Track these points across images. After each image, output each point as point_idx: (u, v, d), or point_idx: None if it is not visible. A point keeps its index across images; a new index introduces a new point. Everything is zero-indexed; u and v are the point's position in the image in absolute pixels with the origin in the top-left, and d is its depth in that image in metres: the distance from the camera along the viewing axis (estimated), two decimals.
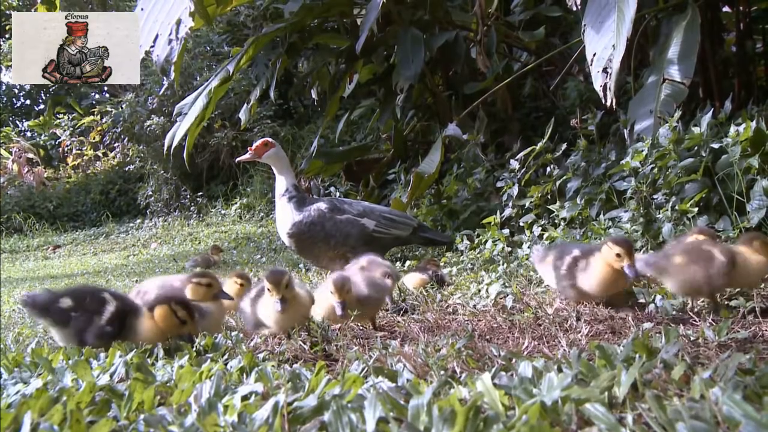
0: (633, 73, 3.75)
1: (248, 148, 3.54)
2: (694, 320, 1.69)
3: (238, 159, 3.68)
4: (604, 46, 2.68)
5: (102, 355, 1.58)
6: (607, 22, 2.71)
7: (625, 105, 3.34)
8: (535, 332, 1.67)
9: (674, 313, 1.78)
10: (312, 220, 3.36)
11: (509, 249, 3.13)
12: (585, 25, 2.84)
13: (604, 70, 2.65)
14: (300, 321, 1.79)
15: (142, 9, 4.25)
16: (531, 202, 3.44)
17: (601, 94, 2.67)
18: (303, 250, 3.48)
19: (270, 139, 3.53)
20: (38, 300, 1.76)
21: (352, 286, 1.88)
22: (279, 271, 1.82)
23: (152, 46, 4.21)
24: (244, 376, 1.33)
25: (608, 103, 2.64)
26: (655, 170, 2.69)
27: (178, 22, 3.90)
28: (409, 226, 3.52)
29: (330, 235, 3.36)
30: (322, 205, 3.43)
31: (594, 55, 2.72)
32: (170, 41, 4.04)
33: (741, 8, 4.22)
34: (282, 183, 3.48)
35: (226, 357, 1.55)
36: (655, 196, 2.69)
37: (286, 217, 3.43)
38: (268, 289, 1.79)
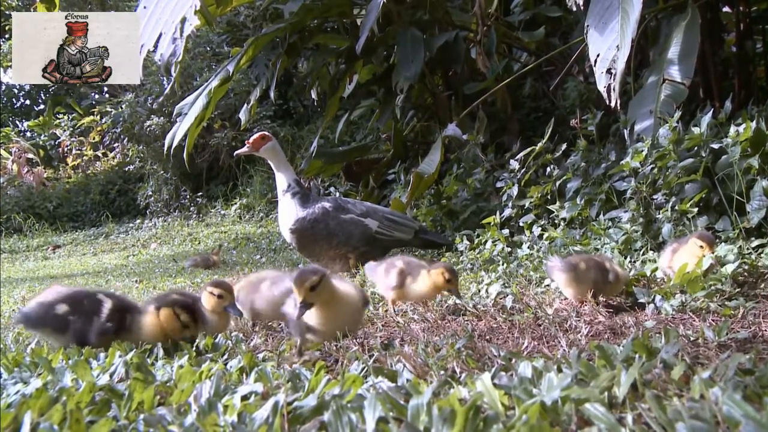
0: (633, 74, 3.76)
1: (245, 142, 3.55)
2: (694, 320, 1.69)
3: (236, 152, 3.70)
4: (608, 47, 2.67)
5: (102, 355, 1.58)
6: (611, 23, 2.71)
7: (625, 105, 3.34)
8: (534, 332, 1.67)
9: (673, 313, 1.78)
10: (316, 217, 3.37)
11: (509, 249, 3.13)
12: (588, 26, 2.83)
13: (608, 71, 2.64)
14: (352, 325, 1.65)
15: (144, 7, 4.22)
16: (531, 203, 3.44)
17: (605, 95, 2.67)
18: (304, 248, 3.48)
19: (267, 133, 3.53)
20: (32, 314, 1.77)
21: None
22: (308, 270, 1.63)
23: (155, 46, 4.17)
24: (244, 376, 1.33)
25: (612, 105, 2.63)
26: (655, 170, 2.69)
27: (183, 21, 3.88)
28: (411, 228, 3.53)
29: (333, 233, 3.36)
30: (326, 204, 3.43)
31: (598, 56, 2.71)
32: (174, 40, 4.01)
33: (741, 8, 4.23)
34: (282, 179, 3.48)
35: (225, 357, 1.55)
36: (654, 197, 2.69)
37: (289, 212, 3.43)
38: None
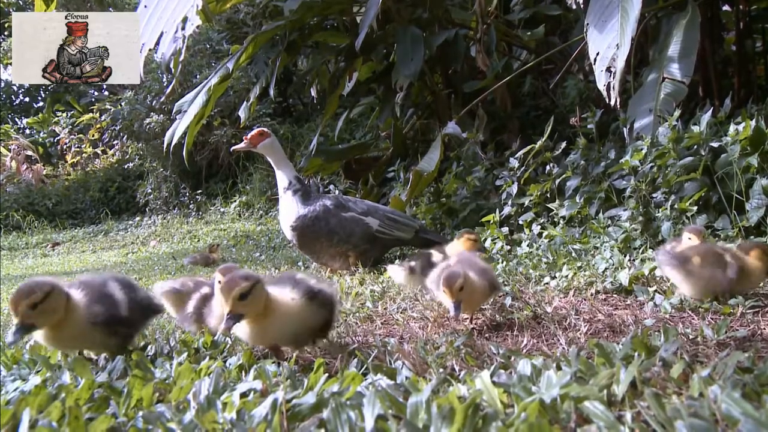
0: (633, 72, 3.75)
1: (243, 138, 3.53)
2: (693, 318, 1.69)
3: (233, 148, 3.67)
4: (607, 46, 2.67)
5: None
6: (610, 21, 2.70)
7: (625, 103, 3.34)
8: (534, 330, 1.67)
9: (673, 311, 1.78)
10: (317, 215, 3.37)
11: (508, 247, 3.13)
12: (588, 24, 2.83)
13: (608, 70, 2.64)
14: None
15: (145, 6, 4.21)
16: (530, 201, 3.44)
17: (604, 93, 2.67)
18: (304, 245, 3.48)
19: (265, 129, 3.52)
20: None
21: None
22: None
23: (156, 45, 4.15)
24: (243, 373, 1.33)
25: (612, 103, 2.63)
26: (655, 169, 2.69)
27: (185, 20, 3.86)
28: (412, 228, 3.53)
29: (333, 231, 3.37)
30: (327, 202, 3.43)
31: (597, 54, 2.71)
32: (176, 39, 3.99)
33: (741, 7, 4.22)
34: (283, 177, 3.48)
35: (225, 354, 1.55)
36: (654, 195, 2.69)
37: (290, 210, 3.43)
38: None
